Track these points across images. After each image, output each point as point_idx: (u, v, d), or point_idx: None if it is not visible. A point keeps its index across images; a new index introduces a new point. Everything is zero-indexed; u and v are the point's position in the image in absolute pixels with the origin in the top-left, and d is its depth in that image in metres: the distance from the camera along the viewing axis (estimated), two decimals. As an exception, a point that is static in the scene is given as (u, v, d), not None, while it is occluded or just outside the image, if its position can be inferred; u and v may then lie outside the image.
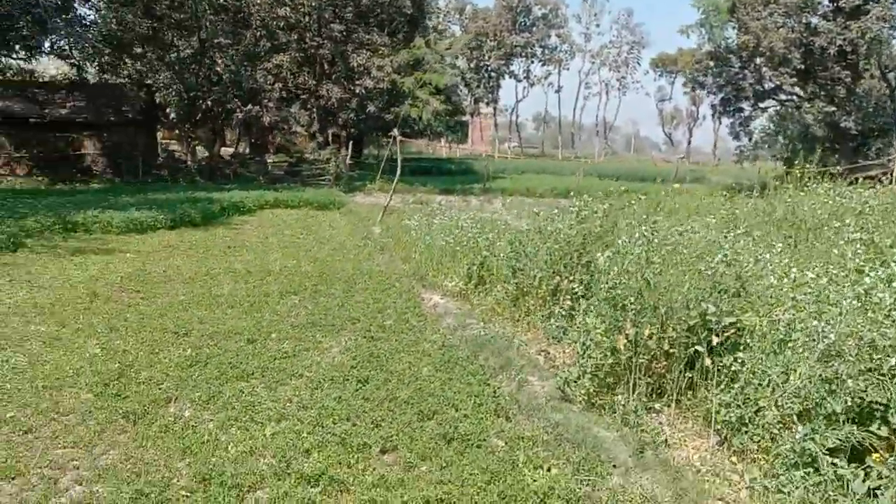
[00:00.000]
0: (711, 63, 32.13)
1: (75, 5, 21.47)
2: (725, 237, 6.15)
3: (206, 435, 4.75)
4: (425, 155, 61.39)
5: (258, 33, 28.37)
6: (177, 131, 33.00)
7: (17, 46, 20.64)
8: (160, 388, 5.53)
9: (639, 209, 8.47)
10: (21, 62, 23.44)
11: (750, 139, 32.92)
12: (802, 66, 27.90)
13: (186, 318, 7.65)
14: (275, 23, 27.93)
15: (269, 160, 30.77)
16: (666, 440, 4.83)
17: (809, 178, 13.61)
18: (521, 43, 73.80)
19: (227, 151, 36.12)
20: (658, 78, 77.88)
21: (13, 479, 4.06)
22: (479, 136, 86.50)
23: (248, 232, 14.98)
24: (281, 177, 28.39)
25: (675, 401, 5.22)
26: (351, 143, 29.38)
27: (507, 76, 76.71)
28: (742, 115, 33.62)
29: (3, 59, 22.50)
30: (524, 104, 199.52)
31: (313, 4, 27.74)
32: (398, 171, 19.65)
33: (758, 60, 29.78)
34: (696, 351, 4.98)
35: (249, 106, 25.66)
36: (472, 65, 74.16)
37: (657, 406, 5.22)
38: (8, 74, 23.79)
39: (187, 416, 5.05)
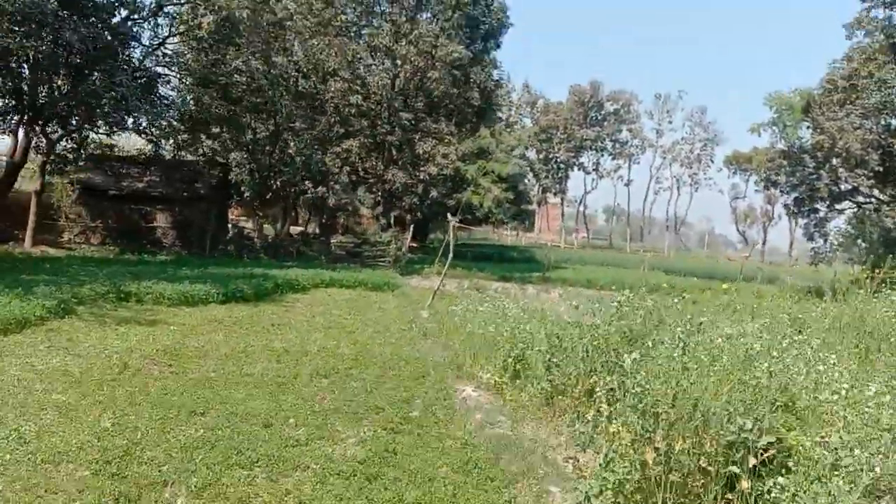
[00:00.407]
0: (784, 162, 31.35)
1: (157, 85, 22.83)
2: (778, 343, 5.61)
3: (191, 527, 4.45)
4: (489, 241, 61.72)
5: (332, 119, 29.51)
6: (247, 209, 34.24)
7: (100, 122, 21.98)
8: (160, 471, 5.29)
9: (691, 308, 7.98)
10: (103, 137, 24.90)
11: (825, 241, 31.55)
12: (881, 168, 26.85)
13: (208, 396, 7.47)
14: (347, 110, 28.99)
15: (332, 240, 31.31)
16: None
17: (886, 283, 12.73)
18: (591, 136, 74.55)
19: (296, 230, 37.16)
20: (732, 175, 76.63)
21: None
22: (546, 225, 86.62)
23: (296, 310, 14.96)
24: (343, 257, 28.77)
25: (712, 528, 4.62)
26: (412, 226, 29.69)
27: (575, 168, 77.19)
28: (817, 216, 32.41)
29: (89, 134, 23.96)
30: (593, 195, 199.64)
31: (385, 94, 28.76)
32: (450, 256, 19.54)
33: (833, 161, 28.87)
34: (737, 471, 4.42)
35: (317, 187, 26.38)
36: (540, 156, 75.08)
37: (691, 533, 4.63)
38: (90, 148, 25.28)
39: (179, 504, 4.77)
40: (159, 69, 23.81)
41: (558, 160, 75.43)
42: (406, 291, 20.43)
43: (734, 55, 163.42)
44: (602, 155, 78.49)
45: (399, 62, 29.45)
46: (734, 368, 4.89)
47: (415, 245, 43.34)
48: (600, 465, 4.71)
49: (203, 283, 15.35)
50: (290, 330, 12.22)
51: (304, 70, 28.16)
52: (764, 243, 75.11)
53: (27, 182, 25.89)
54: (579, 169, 77.74)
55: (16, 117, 21.33)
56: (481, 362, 9.37)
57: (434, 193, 28.58)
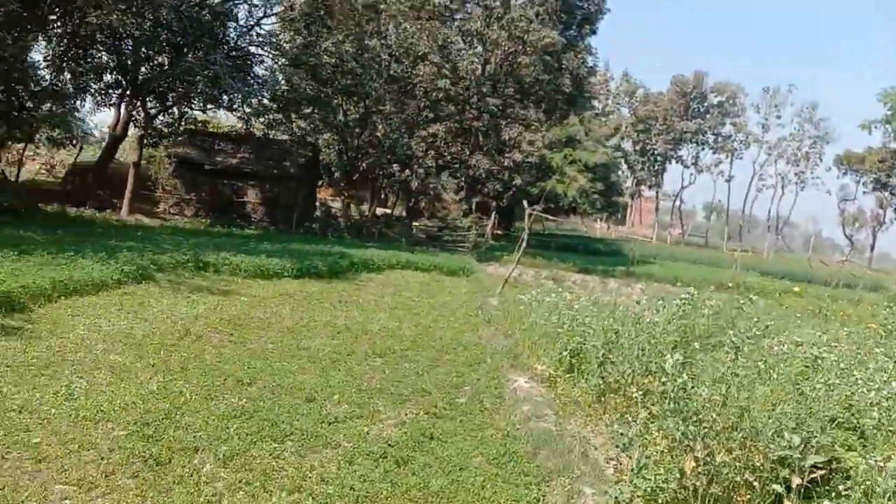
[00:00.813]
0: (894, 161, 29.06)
1: (251, 64, 23.50)
2: (855, 354, 5.10)
3: (212, 495, 4.46)
4: (578, 233, 60.53)
5: (421, 103, 29.58)
6: (335, 189, 34.92)
7: (195, 99, 22.86)
8: (194, 437, 5.35)
9: (777, 311, 7.45)
10: (198, 113, 25.91)
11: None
12: None
13: (260, 367, 7.56)
14: (435, 94, 28.97)
15: (415, 224, 31.50)
16: None
17: None
18: (691, 129, 71.73)
19: (382, 212, 37.64)
20: (842, 176, 71.87)
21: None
22: (638, 219, 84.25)
23: (367, 289, 15.08)
24: (423, 240, 28.87)
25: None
26: (497, 213, 29.46)
27: (673, 161, 74.56)
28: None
29: (186, 111, 24.99)
30: (690, 191, 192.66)
31: (474, 79, 28.55)
32: (522, 244, 19.19)
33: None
34: (780, 490, 4.02)
35: (402, 171, 26.55)
36: (637, 147, 72.95)
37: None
38: (186, 124, 26.37)
39: (205, 471, 4.80)
40: (253, 49, 24.52)
41: (655, 152, 73.05)
42: (480, 278, 20.25)
43: (850, 46, 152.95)
44: (702, 149, 75.41)
45: (490, 47, 29.12)
46: (792, 378, 4.45)
47: (499, 232, 43.08)
48: (632, 470, 4.40)
49: (280, 257, 15.72)
50: (356, 308, 12.30)
51: (396, 54, 28.32)
52: (872, 249, 70.17)
53: (127, 153, 27.32)
54: (677, 162, 75.09)
55: (118, 92, 22.49)
56: (538, 353, 9.09)
57: (518, 181, 28.19)
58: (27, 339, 7.35)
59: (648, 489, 4.31)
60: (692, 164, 75.83)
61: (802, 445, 3.84)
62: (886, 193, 34.21)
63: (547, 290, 14.12)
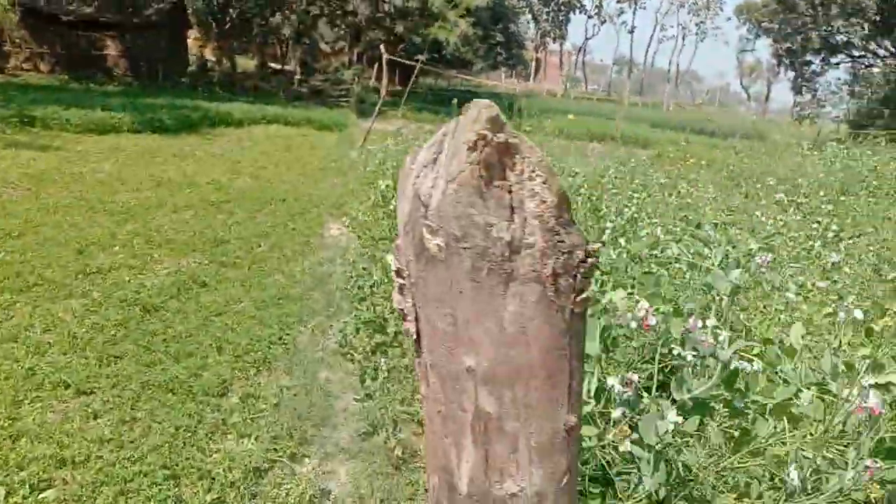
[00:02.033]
0: (778, 7, 29.25)
1: None
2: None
3: None
4: (482, 89, 59.42)
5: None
6: (210, 40, 32.47)
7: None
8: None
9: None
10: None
11: (813, 96, 30.18)
12: (878, 18, 25.02)
13: (42, 220, 7.05)
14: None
15: (296, 77, 29.90)
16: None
17: (870, 139, 12.04)
18: (595, -24, 69.88)
19: (272, 67, 35.44)
20: (741, 25, 72.48)
21: None
22: (545, 75, 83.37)
23: (216, 144, 14.30)
24: (304, 95, 27.57)
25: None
26: (396, 69, 28.16)
27: (577, 10, 73.03)
28: (809, 68, 30.79)
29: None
30: (596, 45, 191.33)
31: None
32: (404, 98, 18.58)
33: (831, 10, 26.91)
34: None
35: (272, 16, 24.74)
36: (540, -5, 70.78)
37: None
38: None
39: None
40: None
41: (559, 1, 71.19)
42: (352, 133, 19.61)
43: None
44: (606, -3, 74.04)
45: None
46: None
47: (399, 89, 41.54)
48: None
49: (122, 111, 14.61)
50: (194, 162, 11.66)
51: None
52: (767, 99, 72.57)
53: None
54: (580, 11, 73.57)
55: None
56: (361, 200, 8.89)
57: (399, 28, 26.87)
58: None
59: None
60: (595, 13, 74.66)
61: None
62: (769, 40, 34.69)
63: (403, 139, 13.80)
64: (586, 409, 1.56)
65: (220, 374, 4.17)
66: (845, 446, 1.47)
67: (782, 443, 1.58)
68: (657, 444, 1.47)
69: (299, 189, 10.42)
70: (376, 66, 27.81)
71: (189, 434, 3.51)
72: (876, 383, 1.45)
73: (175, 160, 11.59)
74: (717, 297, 1.93)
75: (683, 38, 76.84)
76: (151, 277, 5.80)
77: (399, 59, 18.73)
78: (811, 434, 1.60)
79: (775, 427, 1.60)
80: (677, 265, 3.16)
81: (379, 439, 3.59)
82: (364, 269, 4.93)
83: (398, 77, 35.64)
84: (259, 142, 15.48)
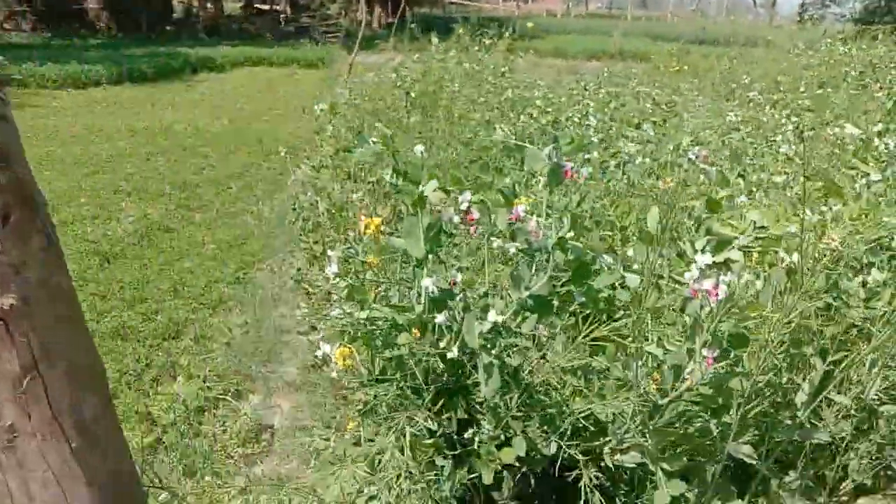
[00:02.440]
0: None
1: None
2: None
3: None
4: (483, 14, 57.65)
5: None
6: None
7: None
8: None
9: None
10: None
11: (819, -5, 28.85)
12: None
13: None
14: None
15: (282, 16, 29.07)
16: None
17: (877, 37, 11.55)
18: None
19: (259, 8, 34.47)
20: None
21: None
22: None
23: (197, 90, 14.02)
24: (292, 34, 26.84)
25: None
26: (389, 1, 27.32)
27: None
28: (814, -33, 29.38)
29: None
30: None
31: None
32: (393, 28, 17.98)
33: None
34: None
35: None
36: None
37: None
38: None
39: None
40: None
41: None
42: (341, 68, 19.14)
43: None
44: None
45: None
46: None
47: (392, 21, 40.33)
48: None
49: (100, 64, 14.31)
50: (172, 109, 11.46)
51: None
52: (773, 4, 69.94)
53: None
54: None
55: None
56: (334, 136, 8.68)
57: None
58: None
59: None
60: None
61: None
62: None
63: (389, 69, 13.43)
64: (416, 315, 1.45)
65: (173, 318, 4.12)
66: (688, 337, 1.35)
67: (608, 337, 1.46)
68: (483, 346, 1.36)
69: (278, 129, 10.23)
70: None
71: (134, 379, 3.47)
72: (714, 263, 1.30)
73: (153, 109, 11.39)
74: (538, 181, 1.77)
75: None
76: (115, 227, 5.71)
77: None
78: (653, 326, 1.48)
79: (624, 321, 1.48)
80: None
81: (327, 372, 3.53)
82: (311, 203, 4.80)
83: (391, 8, 34.64)
84: (241, 84, 15.17)
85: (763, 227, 1.50)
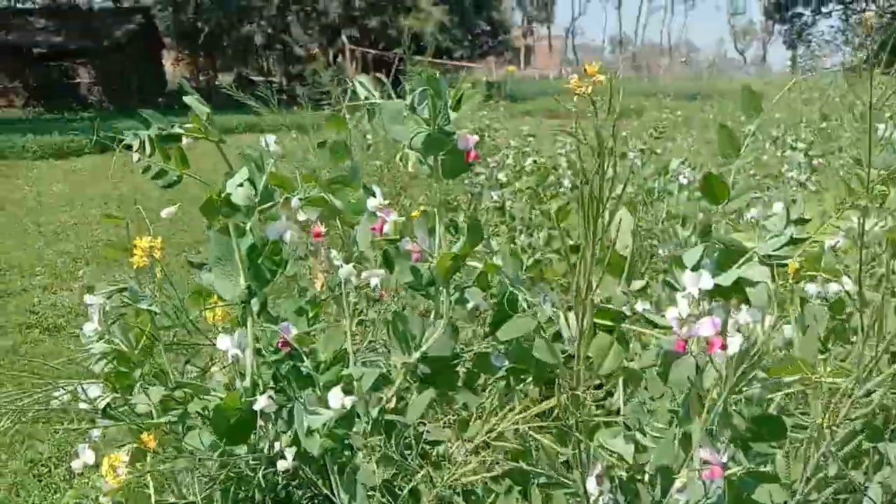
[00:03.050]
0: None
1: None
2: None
3: None
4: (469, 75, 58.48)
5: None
6: (194, 58, 31.97)
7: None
8: None
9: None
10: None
11: (808, 47, 29.16)
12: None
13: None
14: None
15: (274, 84, 29.30)
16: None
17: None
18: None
19: (258, 79, 34.85)
20: (728, -13, 71.22)
21: None
22: (541, 61, 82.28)
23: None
24: (284, 101, 26.88)
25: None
26: (359, 62, 27.55)
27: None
28: (800, 20, 29.85)
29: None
30: (583, 23, 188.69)
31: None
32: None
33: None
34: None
35: (242, 25, 24.18)
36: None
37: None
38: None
39: None
40: None
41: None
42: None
43: None
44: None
45: None
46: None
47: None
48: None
49: (87, 133, 14.07)
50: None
51: None
52: (764, 59, 71.27)
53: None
54: (565, -7, 72.56)
55: None
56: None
57: (373, 23, 26.18)
58: None
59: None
60: (580, -8, 73.65)
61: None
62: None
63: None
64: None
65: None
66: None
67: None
68: (329, 452, 0.83)
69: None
70: (354, 63, 27.23)
71: None
72: (718, 288, 0.75)
73: (132, 176, 11.03)
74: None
75: (672, 10, 75.54)
76: (65, 297, 5.22)
77: (367, 51, 18.08)
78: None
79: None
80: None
81: None
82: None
83: (381, 72, 34.84)
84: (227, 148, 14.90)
85: (804, 221, 0.89)
